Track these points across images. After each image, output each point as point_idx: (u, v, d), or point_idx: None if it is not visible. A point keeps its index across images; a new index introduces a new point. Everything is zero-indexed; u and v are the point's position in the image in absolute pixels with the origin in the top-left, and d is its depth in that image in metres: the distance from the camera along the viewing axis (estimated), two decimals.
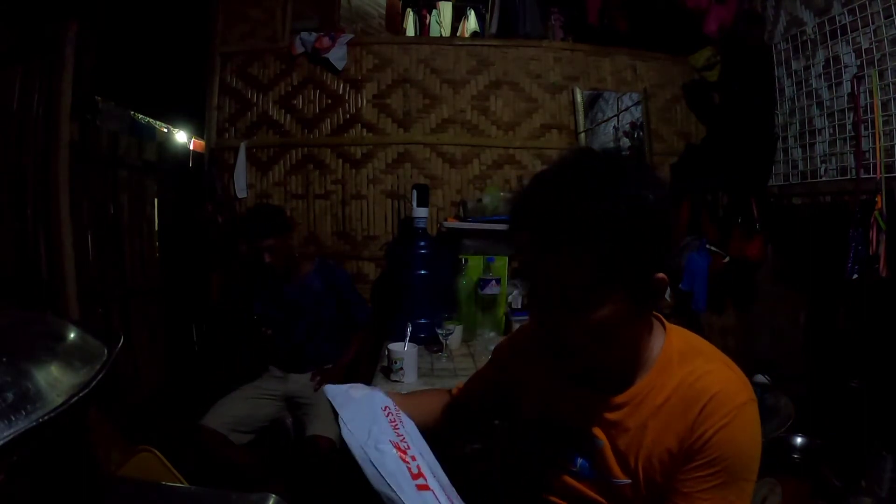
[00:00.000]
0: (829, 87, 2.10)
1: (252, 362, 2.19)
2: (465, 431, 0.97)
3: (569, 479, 0.78)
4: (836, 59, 2.05)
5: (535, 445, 0.83)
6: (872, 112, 1.89)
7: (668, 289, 0.73)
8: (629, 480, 0.72)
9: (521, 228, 0.66)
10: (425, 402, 0.98)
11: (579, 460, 0.77)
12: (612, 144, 2.65)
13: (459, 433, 0.97)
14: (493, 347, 1.86)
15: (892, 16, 1.81)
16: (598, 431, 0.75)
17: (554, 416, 0.80)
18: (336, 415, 0.75)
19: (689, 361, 0.72)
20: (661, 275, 0.66)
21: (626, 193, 0.61)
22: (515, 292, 2.31)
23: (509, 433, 0.91)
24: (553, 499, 0.81)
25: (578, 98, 2.63)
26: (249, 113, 2.62)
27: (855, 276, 1.86)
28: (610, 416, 0.74)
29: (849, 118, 2.01)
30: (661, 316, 0.78)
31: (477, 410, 0.97)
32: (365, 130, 2.62)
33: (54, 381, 0.45)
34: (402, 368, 1.57)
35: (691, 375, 0.70)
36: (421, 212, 2.22)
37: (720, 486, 0.66)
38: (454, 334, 1.91)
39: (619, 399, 0.73)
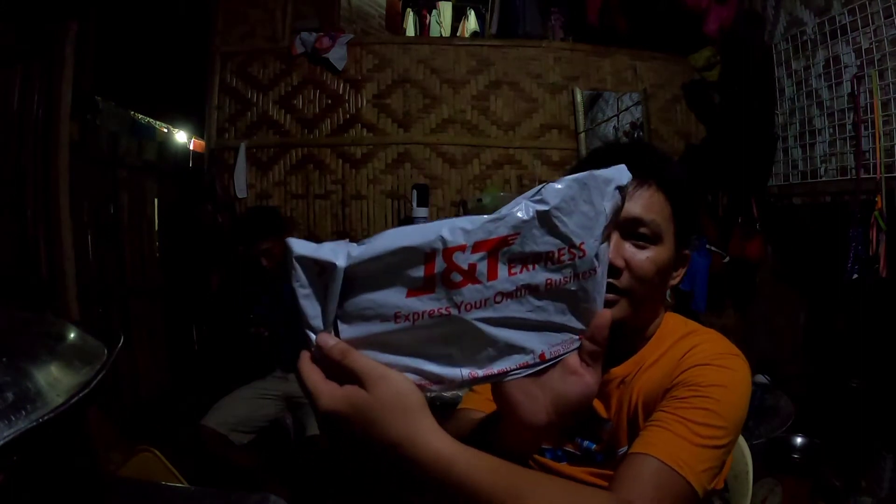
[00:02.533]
0: (829, 87, 2.10)
1: (252, 363, 2.19)
2: None
3: (571, 462, 0.78)
4: (836, 59, 2.05)
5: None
6: (872, 112, 1.89)
7: (669, 289, 0.79)
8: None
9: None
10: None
11: (584, 443, 0.77)
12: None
13: None
14: None
15: (892, 16, 1.81)
16: (605, 412, 0.76)
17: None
18: None
19: (683, 332, 0.77)
20: (686, 251, 0.76)
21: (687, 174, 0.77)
22: None
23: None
24: None
25: (578, 98, 2.63)
26: (249, 113, 2.61)
27: (855, 276, 1.86)
28: (611, 391, 0.76)
29: (849, 118, 2.00)
30: None
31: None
32: (365, 130, 2.62)
33: (54, 381, 0.45)
34: None
35: (682, 340, 0.75)
36: (421, 212, 2.22)
37: (691, 407, 0.62)
38: None
39: (620, 370, 0.76)
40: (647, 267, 0.71)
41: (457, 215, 2.52)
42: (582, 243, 0.42)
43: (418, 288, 0.40)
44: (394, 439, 0.38)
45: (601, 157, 0.74)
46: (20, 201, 2.05)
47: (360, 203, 2.61)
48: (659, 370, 0.72)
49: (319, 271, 0.39)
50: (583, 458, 0.77)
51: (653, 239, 0.71)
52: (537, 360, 0.44)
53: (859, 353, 1.91)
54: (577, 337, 0.46)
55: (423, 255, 0.39)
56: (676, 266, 0.76)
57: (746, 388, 0.68)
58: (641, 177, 0.71)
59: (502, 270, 0.41)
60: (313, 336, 0.41)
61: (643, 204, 0.71)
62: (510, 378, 0.44)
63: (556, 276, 0.42)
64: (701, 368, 0.67)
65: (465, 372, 0.42)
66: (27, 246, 2.05)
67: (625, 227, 0.71)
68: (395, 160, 2.62)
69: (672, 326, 0.79)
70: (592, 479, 0.75)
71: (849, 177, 2.01)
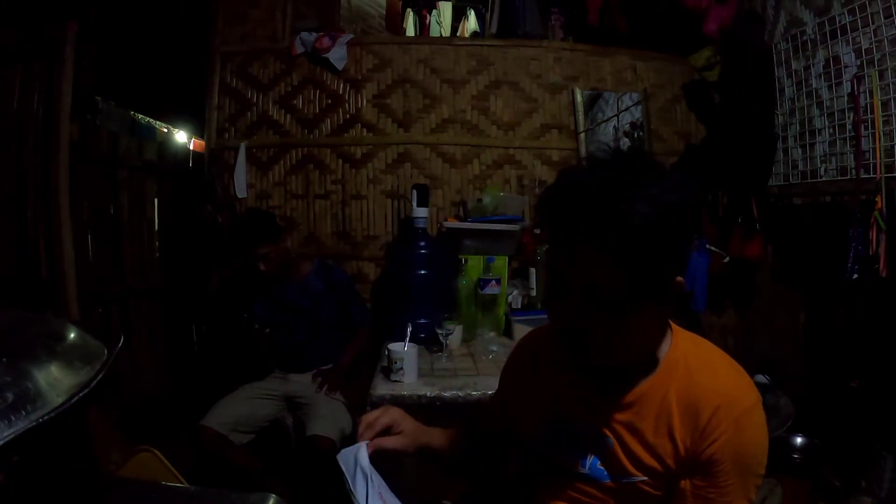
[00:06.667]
0: (829, 87, 2.10)
1: (252, 363, 2.19)
2: (483, 456, 1.00)
3: (576, 480, 0.79)
4: (836, 59, 2.04)
5: (542, 448, 0.84)
6: (872, 112, 1.88)
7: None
8: (644, 477, 0.73)
9: (562, 229, 0.67)
10: (444, 433, 0.97)
11: (589, 460, 0.77)
12: (612, 145, 2.64)
13: (477, 457, 1.00)
14: (493, 347, 1.88)
15: (892, 16, 1.81)
16: (607, 431, 0.76)
17: (562, 418, 0.81)
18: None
19: (695, 363, 0.74)
20: (680, 278, 0.68)
21: (666, 200, 0.62)
22: (515, 292, 2.31)
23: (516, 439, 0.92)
24: (559, 502, 0.81)
25: (578, 98, 2.63)
26: (249, 113, 2.61)
27: (855, 276, 1.86)
28: (618, 415, 0.75)
29: (849, 118, 2.00)
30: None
31: (494, 432, 0.98)
32: (365, 130, 2.62)
33: (54, 381, 0.45)
34: (402, 368, 1.57)
35: (697, 377, 0.72)
36: (421, 212, 2.22)
37: (737, 486, 0.69)
38: (454, 334, 1.91)
39: (627, 398, 0.75)
40: (612, 337, 0.67)
41: (457, 215, 2.53)
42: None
43: None
44: None
45: (551, 199, 0.69)
46: (20, 201, 2.05)
47: (360, 203, 2.61)
48: (681, 423, 0.71)
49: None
50: (588, 476, 0.78)
51: (618, 306, 0.65)
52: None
53: (859, 353, 1.91)
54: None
55: None
56: (666, 305, 0.70)
57: (765, 434, 0.71)
58: (582, 237, 0.64)
59: None
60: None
61: (605, 270, 0.63)
62: None
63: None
64: (729, 448, 0.68)
65: None
66: (27, 246, 2.05)
67: (583, 295, 0.66)
68: (395, 160, 2.62)
69: (682, 353, 0.75)
70: (601, 495, 0.78)
71: (849, 177, 2.00)
